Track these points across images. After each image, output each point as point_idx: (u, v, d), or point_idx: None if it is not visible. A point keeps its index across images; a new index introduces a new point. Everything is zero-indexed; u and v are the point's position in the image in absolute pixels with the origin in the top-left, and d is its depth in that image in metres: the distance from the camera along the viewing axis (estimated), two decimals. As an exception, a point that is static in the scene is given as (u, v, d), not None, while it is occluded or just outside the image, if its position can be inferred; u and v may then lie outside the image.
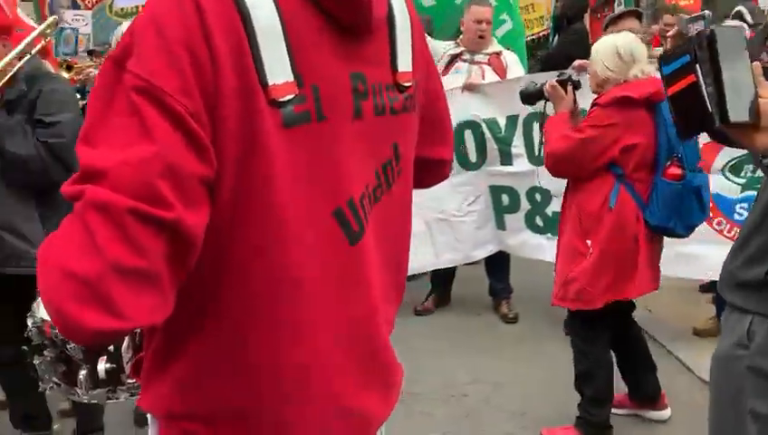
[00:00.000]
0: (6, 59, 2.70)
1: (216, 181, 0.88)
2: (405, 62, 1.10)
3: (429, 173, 1.32)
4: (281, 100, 0.90)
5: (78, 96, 5.34)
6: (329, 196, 0.98)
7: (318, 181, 0.96)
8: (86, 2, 9.10)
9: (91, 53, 6.85)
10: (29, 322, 1.80)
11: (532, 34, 8.81)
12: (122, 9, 8.65)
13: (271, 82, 0.89)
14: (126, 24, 3.34)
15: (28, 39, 2.85)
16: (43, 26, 3.00)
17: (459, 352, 3.96)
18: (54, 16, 3.36)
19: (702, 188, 2.82)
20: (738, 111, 1.17)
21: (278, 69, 0.90)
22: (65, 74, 5.46)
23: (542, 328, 4.24)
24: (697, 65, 1.18)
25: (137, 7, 8.13)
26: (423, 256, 4.30)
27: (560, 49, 5.75)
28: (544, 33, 10.34)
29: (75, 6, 8.94)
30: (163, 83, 0.82)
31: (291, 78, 0.91)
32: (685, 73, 1.21)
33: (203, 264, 0.89)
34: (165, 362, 1.00)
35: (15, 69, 2.75)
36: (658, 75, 2.42)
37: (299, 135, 0.93)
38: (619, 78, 2.81)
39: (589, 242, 2.86)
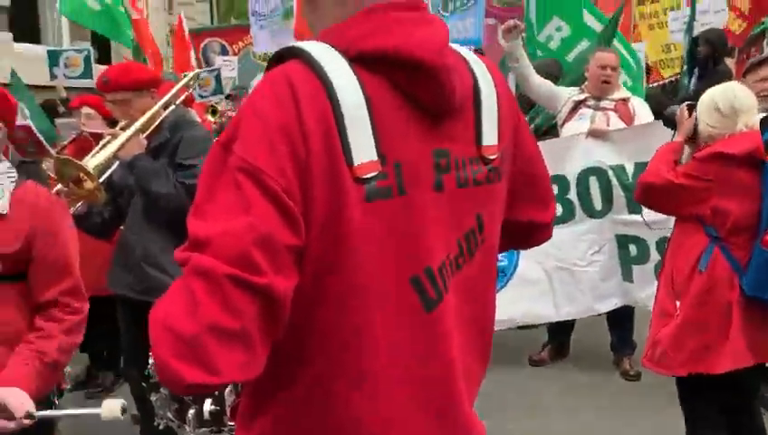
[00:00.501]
0: (153, 110, 3.01)
1: (304, 250, 0.96)
2: (490, 135, 1.14)
3: (525, 236, 1.34)
4: (364, 177, 0.99)
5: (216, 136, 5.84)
6: (407, 265, 1.04)
7: (397, 251, 1.03)
8: (234, 48, 9.89)
9: (228, 96, 7.42)
10: (150, 360, 1.97)
11: (672, 76, 8.44)
12: (264, 53, 9.33)
13: (356, 162, 0.98)
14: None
15: (173, 91, 3.15)
16: (186, 79, 3.31)
17: (573, 408, 3.79)
18: (197, 71, 3.70)
19: None
20: None
21: (363, 149, 0.99)
22: (211, 118, 5.97)
23: (668, 388, 3.96)
24: None
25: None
26: (542, 307, 4.21)
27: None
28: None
29: (224, 52, 9.73)
30: (261, 164, 0.93)
31: (375, 157, 1.00)
32: None
33: (290, 325, 0.97)
34: (253, 412, 1.08)
35: (161, 118, 3.07)
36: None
37: (380, 208, 1.00)
38: (723, 133, 2.62)
39: (677, 303, 2.69)
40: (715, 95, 2.69)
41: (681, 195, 2.66)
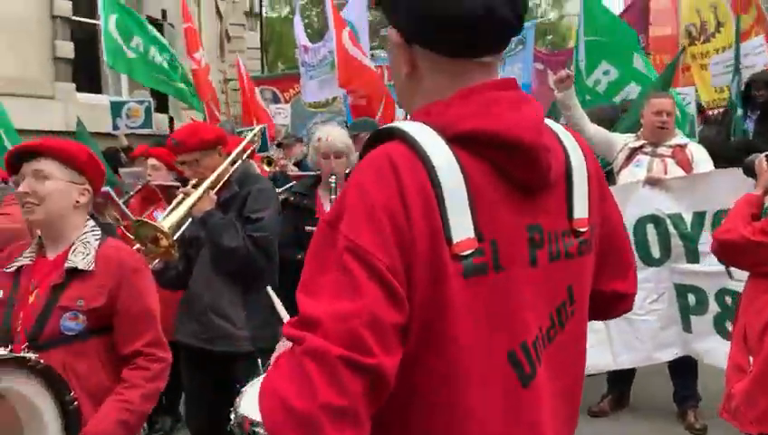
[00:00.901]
0: (222, 167, 3.14)
1: (407, 326, 1.01)
2: (581, 210, 1.17)
3: (607, 306, 1.35)
4: (462, 254, 1.03)
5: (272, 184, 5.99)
6: (504, 340, 1.07)
7: (494, 326, 1.06)
8: (285, 95, 10.17)
9: (279, 145, 7.59)
10: (231, 415, 2.02)
11: (715, 108, 8.34)
12: (315, 102, 9.56)
13: (455, 240, 1.02)
14: (326, 128, 3.75)
15: (239, 148, 3.29)
16: (251, 135, 3.46)
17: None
18: (261, 126, 3.84)
19: None
20: None
21: (462, 227, 1.03)
22: (267, 168, 6.15)
23: (737, 444, 3.83)
24: None
25: (327, 99, 8.93)
26: (600, 356, 4.12)
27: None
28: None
29: (276, 100, 10.02)
30: (368, 244, 0.98)
31: (472, 234, 1.04)
32: None
33: (391, 396, 1.01)
34: None
35: (230, 174, 3.19)
36: None
37: (477, 284, 1.04)
38: None
39: (751, 359, 2.63)
40: None
41: (759, 252, 2.62)
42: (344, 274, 0.97)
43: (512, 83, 1.14)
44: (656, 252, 4.18)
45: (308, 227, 3.45)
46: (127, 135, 7.28)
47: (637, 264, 4.59)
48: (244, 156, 3.35)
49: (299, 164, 6.37)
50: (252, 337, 3.23)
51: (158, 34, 7.20)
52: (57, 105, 8.63)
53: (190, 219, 3.10)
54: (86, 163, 2.20)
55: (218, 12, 15.69)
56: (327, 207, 3.50)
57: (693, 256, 4.07)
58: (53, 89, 8.79)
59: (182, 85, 7.17)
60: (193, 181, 3.17)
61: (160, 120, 7.83)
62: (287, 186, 5.30)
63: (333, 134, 3.57)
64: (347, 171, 3.66)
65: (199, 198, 3.05)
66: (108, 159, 6.14)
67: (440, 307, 1.02)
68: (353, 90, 6.64)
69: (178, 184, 3.57)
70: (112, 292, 2.11)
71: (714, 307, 4.00)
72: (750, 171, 3.01)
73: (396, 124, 1.10)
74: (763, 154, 2.85)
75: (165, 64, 6.99)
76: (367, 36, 7.93)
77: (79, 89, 9.28)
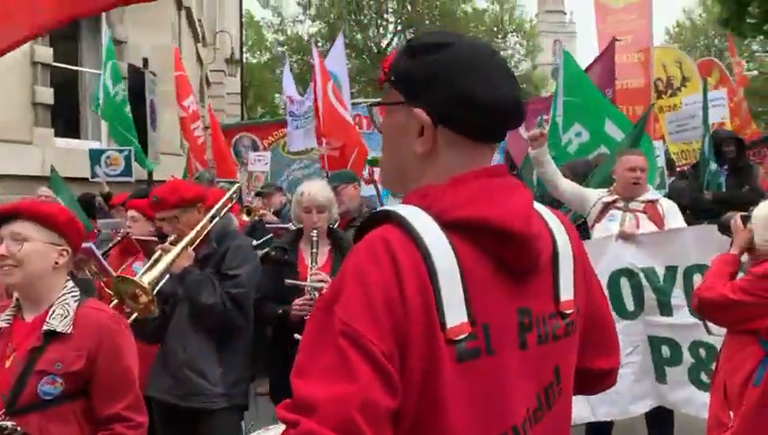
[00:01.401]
0: (201, 224, 3.18)
1: (400, 410, 1.02)
2: (567, 290, 1.20)
3: (593, 382, 1.38)
4: (456, 339, 1.04)
5: (247, 234, 5.97)
6: (496, 423, 1.08)
7: (486, 409, 1.07)
8: (264, 142, 10.22)
9: (259, 194, 7.61)
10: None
11: (686, 164, 8.58)
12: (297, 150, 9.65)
13: (449, 325, 1.04)
14: (308, 183, 3.78)
15: (218, 205, 3.33)
16: (230, 192, 3.52)
17: None
18: (240, 183, 3.90)
19: None
20: None
21: (455, 312, 1.05)
22: (246, 217, 6.17)
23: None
24: None
25: (306, 149, 9.02)
26: (578, 408, 4.10)
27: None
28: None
29: (254, 147, 10.06)
30: (363, 328, 0.99)
31: (465, 319, 1.05)
32: None
33: None
34: None
35: (208, 230, 3.22)
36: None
37: (470, 368, 1.05)
38: None
39: (731, 414, 2.68)
40: None
41: (737, 310, 2.68)
42: (339, 357, 0.98)
43: (503, 170, 1.19)
44: (630, 305, 4.24)
45: (288, 281, 3.46)
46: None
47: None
48: (223, 212, 3.39)
49: (278, 213, 6.40)
50: (227, 394, 3.21)
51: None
52: (35, 150, 8.60)
53: (168, 275, 3.11)
54: (65, 224, 2.20)
55: (199, 58, 15.84)
56: (308, 262, 3.51)
57: (666, 310, 4.14)
58: (32, 134, 8.77)
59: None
60: (171, 238, 3.19)
61: (140, 167, 7.82)
62: (266, 238, 5.31)
63: (315, 189, 3.62)
64: (330, 225, 3.70)
65: (178, 255, 3.06)
66: (83, 206, 6.11)
67: (434, 392, 1.03)
68: (330, 141, 6.75)
69: (157, 239, 3.58)
70: (91, 354, 2.09)
71: (688, 359, 4.06)
72: (725, 229, 3.10)
73: (392, 208, 1.12)
74: (738, 214, 2.94)
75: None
76: (348, 86, 8.07)
77: (57, 134, 9.26)
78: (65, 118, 9.69)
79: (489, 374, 1.07)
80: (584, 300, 1.27)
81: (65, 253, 2.21)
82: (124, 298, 2.89)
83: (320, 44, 31.93)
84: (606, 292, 4.47)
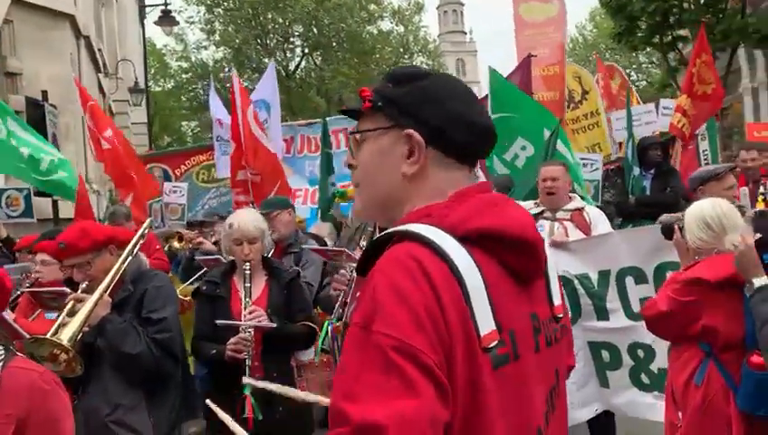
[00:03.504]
0: (116, 267, 2.94)
1: (450, 422, 1.00)
2: (557, 296, 1.27)
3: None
4: (489, 346, 1.06)
5: (183, 265, 5.58)
6: (525, 427, 1.11)
7: (519, 414, 1.10)
8: (176, 172, 9.80)
9: (191, 224, 7.20)
10: None
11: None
12: (210, 176, 9.31)
13: (482, 333, 1.06)
14: (238, 215, 3.54)
15: (131, 245, 3.08)
16: (142, 229, 3.27)
17: None
18: (150, 218, 3.65)
19: None
20: None
21: (485, 321, 1.07)
22: (176, 244, 5.82)
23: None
24: None
25: (223, 179, 8.76)
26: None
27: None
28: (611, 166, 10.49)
29: (167, 177, 9.62)
30: (414, 341, 0.97)
31: (493, 326, 1.08)
32: None
33: None
34: None
35: (121, 272, 2.97)
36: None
37: (502, 375, 1.08)
38: (711, 248, 2.74)
39: (680, 415, 2.74)
40: (704, 210, 2.78)
41: (673, 321, 2.73)
42: (395, 373, 0.95)
43: (488, 186, 1.25)
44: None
45: (219, 322, 3.23)
46: (6, 224, 6.71)
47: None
48: (135, 250, 3.14)
49: (217, 243, 5.95)
50: (162, 443, 2.97)
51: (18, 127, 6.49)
52: None
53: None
54: None
55: (101, 88, 15.14)
56: (242, 295, 3.30)
57: (602, 314, 4.20)
58: None
59: (50, 177, 6.46)
60: (83, 285, 2.92)
61: (43, 205, 7.30)
62: (200, 272, 4.99)
63: (245, 219, 3.40)
64: (267, 253, 3.49)
65: (95, 304, 2.81)
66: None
67: (477, 401, 1.03)
68: (251, 167, 6.58)
69: (64, 290, 3.28)
70: (21, 422, 1.84)
71: (627, 361, 4.13)
72: (667, 232, 3.16)
73: (407, 227, 1.11)
74: (676, 225, 2.99)
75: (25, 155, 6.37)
76: (278, 113, 7.91)
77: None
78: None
79: (517, 379, 1.10)
80: None
81: None
82: (41, 361, 2.56)
83: (226, 70, 31.47)
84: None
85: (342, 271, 3.23)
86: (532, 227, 1.19)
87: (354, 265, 3.20)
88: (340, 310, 3.18)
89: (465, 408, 1.02)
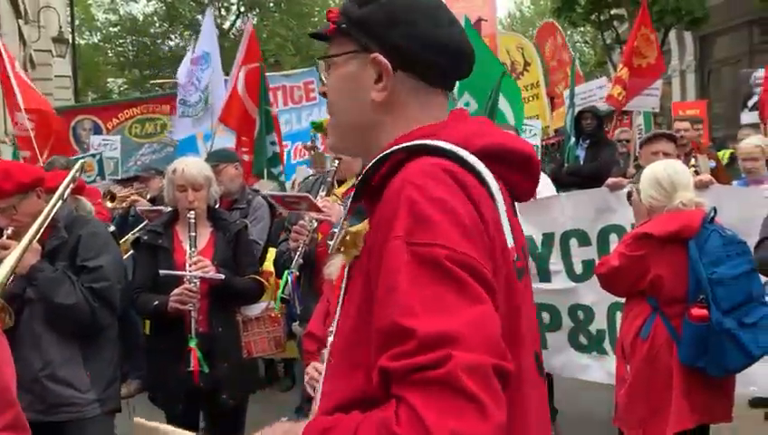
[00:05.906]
0: (45, 213, 2.73)
1: None
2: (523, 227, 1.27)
3: None
4: (514, 259, 1.07)
5: (117, 223, 5.33)
6: (532, 340, 1.13)
7: (528, 328, 1.11)
8: (108, 125, 9.35)
9: (136, 178, 6.83)
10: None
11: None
12: (144, 131, 8.96)
13: (509, 244, 1.06)
14: (183, 159, 3.36)
15: (61, 189, 2.85)
16: (73, 171, 3.00)
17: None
18: (82, 161, 3.39)
19: (739, 332, 2.66)
20: None
21: (509, 234, 1.07)
22: (109, 204, 5.51)
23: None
24: None
25: (156, 129, 8.46)
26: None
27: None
28: (551, 141, 10.70)
29: (97, 131, 9.16)
30: (471, 252, 0.95)
31: (513, 241, 1.07)
32: None
33: None
34: None
35: (52, 217, 2.76)
36: (702, 206, 2.44)
37: (522, 287, 1.10)
38: (662, 206, 2.84)
39: (628, 368, 2.84)
40: (656, 171, 2.89)
41: (623, 276, 2.81)
42: (454, 283, 0.92)
43: (467, 112, 1.20)
44: (510, 274, 4.34)
45: (163, 272, 3.08)
46: None
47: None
48: (66, 194, 2.91)
49: (154, 200, 5.67)
50: (99, 399, 2.84)
51: None
52: None
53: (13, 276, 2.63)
54: None
55: (21, 36, 14.20)
56: (186, 246, 3.15)
57: (544, 276, 4.27)
58: None
59: None
60: (9, 231, 2.71)
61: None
62: (140, 226, 4.74)
63: (191, 165, 3.23)
64: (213, 204, 3.33)
65: (24, 251, 2.61)
66: None
67: (513, 308, 1.05)
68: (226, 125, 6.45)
69: None
70: None
71: (567, 323, 4.22)
72: (628, 195, 3.27)
73: (427, 141, 1.06)
74: (633, 189, 3.06)
75: None
76: (219, 61, 7.73)
77: None
78: None
79: (527, 294, 1.13)
80: None
81: None
82: None
83: (157, 25, 30.10)
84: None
85: (302, 222, 3.14)
86: (530, 145, 1.19)
87: (315, 215, 3.11)
88: (300, 260, 3.10)
89: (505, 314, 1.01)
